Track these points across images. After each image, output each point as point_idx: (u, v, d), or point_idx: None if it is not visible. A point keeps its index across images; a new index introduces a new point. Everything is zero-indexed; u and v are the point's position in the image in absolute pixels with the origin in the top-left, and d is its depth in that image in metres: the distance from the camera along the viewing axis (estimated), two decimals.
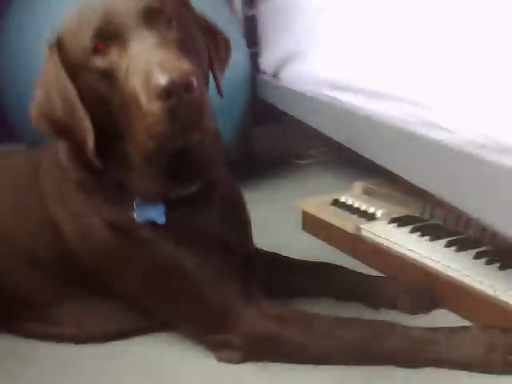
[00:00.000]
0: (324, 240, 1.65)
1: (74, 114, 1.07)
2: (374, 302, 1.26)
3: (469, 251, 1.27)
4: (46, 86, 1.11)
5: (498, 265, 1.20)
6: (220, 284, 1.12)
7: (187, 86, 0.92)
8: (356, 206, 1.63)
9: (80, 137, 1.07)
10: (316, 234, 1.70)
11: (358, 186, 1.75)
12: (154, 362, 1.16)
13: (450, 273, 1.23)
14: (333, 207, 1.68)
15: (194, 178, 1.13)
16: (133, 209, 1.12)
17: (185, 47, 1.02)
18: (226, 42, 1.19)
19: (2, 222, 1.26)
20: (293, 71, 1.89)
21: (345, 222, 1.56)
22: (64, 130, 1.11)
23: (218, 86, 1.16)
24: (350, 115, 1.42)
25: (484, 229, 1.32)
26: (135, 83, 0.96)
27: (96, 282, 1.19)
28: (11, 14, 2.12)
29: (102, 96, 1.03)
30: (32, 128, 1.15)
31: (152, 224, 1.12)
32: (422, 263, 1.30)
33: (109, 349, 1.22)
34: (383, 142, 1.26)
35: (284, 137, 2.74)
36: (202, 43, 1.11)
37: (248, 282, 1.15)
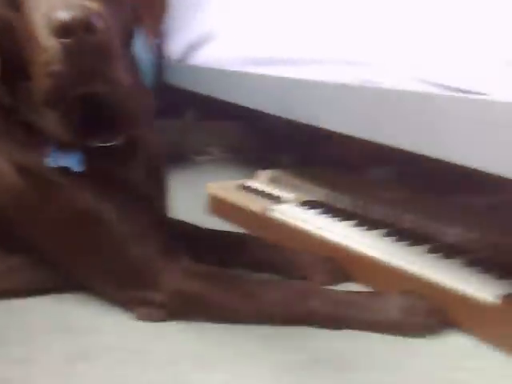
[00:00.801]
0: (232, 222, 1.67)
1: None
2: (289, 273, 1.28)
3: (379, 230, 1.33)
4: None
5: (407, 242, 1.27)
6: (142, 237, 1.10)
7: (88, 26, 0.90)
8: (263, 190, 1.66)
9: None
10: (224, 217, 1.71)
11: (263, 174, 1.79)
12: (66, 318, 1.11)
13: (361, 248, 1.28)
14: (241, 191, 1.71)
15: (112, 131, 1.10)
16: (47, 153, 1.08)
17: None
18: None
19: None
20: (208, 52, 1.91)
21: (254, 204, 1.59)
22: None
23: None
24: (280, 85, 1.46)
25: (390, 213, 1.39)
26: (36, 17, 0.93)
27: (1, 234, 1.13)
28: None
29: (8, 27, 0.99)
30: None
31: (68, 171, 1.08)
32: (332, 240, 1.35)
33: (10, 305, 1.15)
34: (319, 104, 1.29)
35: (183, 132, 2.74)
36: None
37: (170, 240, 1.14)
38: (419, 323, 1.04)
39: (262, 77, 1.56)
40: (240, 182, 1.76)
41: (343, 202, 1.50)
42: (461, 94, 0.93)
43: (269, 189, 1.66)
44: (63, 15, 0.88)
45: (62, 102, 0.99)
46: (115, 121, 1.10)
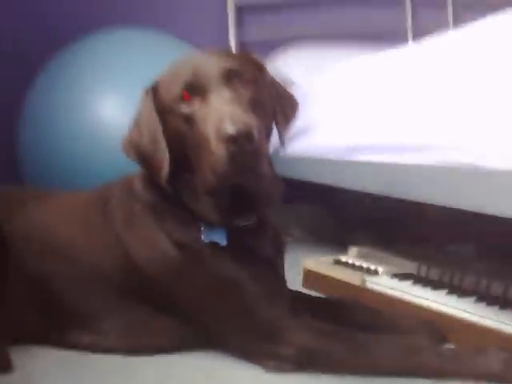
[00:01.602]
0: (328, 295, 1.82)
1: (157, 146, 1.30)
2: (392, 334, 1.42)
3: (469, 297, 1.49)
4: (138, 122, 1.35)
5: (497, 306, 1.42)
6: (271, 300, 1.30)
7: (248, 137, 1.16)
8: (358, 264, 1.84)
9: (158, 165, 1.30)
10: (319, 290, 1.87)
11: (354, 250, 1.97)
12: (206, 371, 1.30)
13: (455, 312, 1.43)
14: (336, 266, 1.89)
15: (251, 212, 1.34)
16: (200, 231, 1.32)
17: (254, 105, 1.27)
18: (293, 103, 1.45)
19: (71, 247, 1.42)
20: (306, 142, 2.14)
21: (351, 277, 1.76)
22: (146, 158, 1.33)
23: (281, 139, 1.40)
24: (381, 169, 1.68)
25: (478, 280, 1.55)
26: (208, 128, 1.20)
27: (155, 299, 1.35)
28: (37, 89, 2.35)
29: (182, 135, 1.27)
30: None
31: (215, 246, 1.31)
32: (428, 307, 1.50)
33: (160, 360, 1.36)
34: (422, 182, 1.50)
35: None
36: (271, 102, 1.35)
37: (294, 301, 1.34)
38: None
39: (364, 163, 1.78)
40: (333, 257, 1.94)
41: (432, 273, 1.66)
42: None
43: (361, 263, 1.84)
44: (231, 129, 1.15)
45: (221, 192, 1.26)
46: (255, 204, 1.33)
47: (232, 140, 1.16)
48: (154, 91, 1.34)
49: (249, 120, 1.18)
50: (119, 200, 1.42)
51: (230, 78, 1.27)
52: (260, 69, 1.38)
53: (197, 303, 1.33)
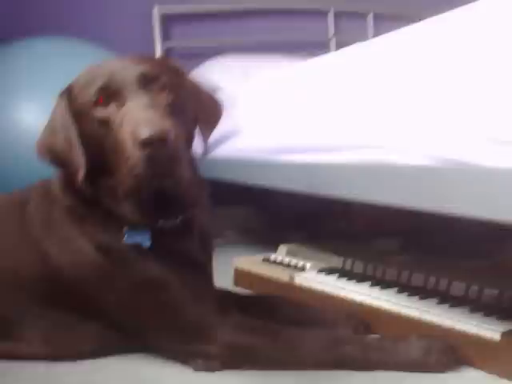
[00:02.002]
0: (258, 292, 1.86)
1: (72, 149, 1.30)
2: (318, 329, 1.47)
3: (392, 289, 1.54)
4: (52, 125, 1.35)
5: (418, 296, 1.47)
6: (197, 299, 1.31)
7: (163, 141, 1.18)
8: (286, 261, 1.87)
9: (74, 168, 1.30)
10: (249, 288, 1.90)
11: (283, 247, 2.00)
12: (133, 375, 1.30)
13: (379, 303, 1.48)
14: (265, 264, 1.92)
15: (175, 214, 1.35)
16: (122, 233, 1.32)
17: (172, 110, 1.28)
18: (217, 109, 1.46)
19: None
20: (232, 145, 2.16)
21: (279, 274, 1.80)
22: (61, 161, 1.34)
23: (204, 144, 1.41)
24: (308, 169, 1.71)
25: (399, 273, 1.60)
26: (124, 133, 1.21)
27: (78, 303, 1.34)
28: None
29: (98, 139, 1.28)
30: None
31: (139, 247, 1.32)
32: (353, 299, 1.55)
33: (84, 365, 1.35)
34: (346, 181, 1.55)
35: None
36: (192, 108, 1.36)
37: (222, 300, 1.35)
38: (437, 361, 1.24)
39: (288, 163, 1.82)
40: (263, 256, 1.97)
41: (357, 266, 1.71)
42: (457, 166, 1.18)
43: (289, 260, 1.87)
44: (146, 133, 1.16)
45: (139, 195, 1.27)
46: (177, 206, 1.34)
47: (146, 144, 1.16)
48: (69, 94, 1.33)
49: (164, 124, 1.19)
50: (37, 204, 1.40)
51: (146, 82, 1.28)
52: (179, 74, 1.39)
53: (122, 306, 1.33)
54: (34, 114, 2.26)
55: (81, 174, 1.28)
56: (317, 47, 3.54)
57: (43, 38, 2.60)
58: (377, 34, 3.64)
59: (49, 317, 1.36)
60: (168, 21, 3.33)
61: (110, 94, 1.27)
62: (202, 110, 1.39)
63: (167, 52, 3.28)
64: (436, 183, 1.24)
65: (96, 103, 1.27)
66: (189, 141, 1.35)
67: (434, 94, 1.33)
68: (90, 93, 1.28)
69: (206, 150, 1.43)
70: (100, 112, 1.27)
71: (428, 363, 1.24)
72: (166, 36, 3.30)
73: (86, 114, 1.29)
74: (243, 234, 2.86)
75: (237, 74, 2.86)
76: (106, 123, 1.26)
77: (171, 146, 1.19)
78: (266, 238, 2.60)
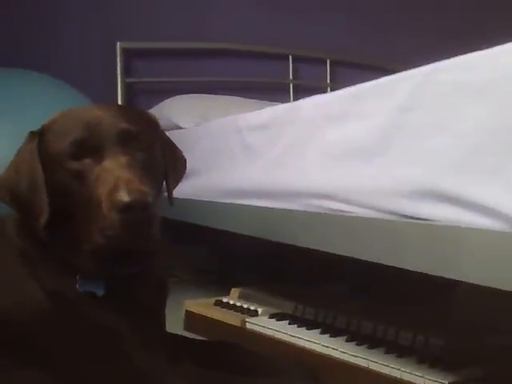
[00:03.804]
0: (209, 337, 1.85)
1: (36, 195, 1.26)
2: (268, 378, 1.47)
3: (341, 337, 1.56)
4: (17, 166, 1.30)
5: (366, 345, 1.50)
6: (149, 348, 1.29)
7: (144, 206, 1.16)
8: (238, 305, 1.88)
9: (35, 215, 1.26)
10: (200, 332, 1.90)
11: (236, 291, 2.01)
12: None
13: (326, 352, 1.50)
14: (217, 307, 1.92)
15: (133, 264, 1.31)
16: (75, 281, 1.29)
17: (147, 166, 1.26)
18: (182, 160, 1.47)
19: None
20: (187, 186, 2.18)
21: (231, 318, 1.80)
22: (22, 204, 1.29)
23: (169, 196, 1.41)
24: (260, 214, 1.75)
25: (349, 320, 1.63)
26: (101, 192, 1.18)
27: (19, 348, 1.28)
28: None
29: (68, 190, 1.24)
30: None
31: (91, 295, 1.29)
32: (302, 346, 1.57)
33: None
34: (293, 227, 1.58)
35: None
36: (162, 161, 1.36)
37: (173, 347, 1.35)
38: None
39: (241, 207, 1.85)
40: (214, 299, 1.97)
41: (308, 312, 1.74)
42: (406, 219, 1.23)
43: (242, 304, 1.88)
44: (127, 198, 1.14)
45: (104, 251, 1.23)
46: (137, 257, 1.31)
47: (126, 208, 1.14)
48: (40, 137, 1.29)
49: (144, 188, 1.17)
50: None
51: (126, 140, 1.25)
52: (155, 127, 1.38)
53: (67, 354, 1.29)
54: None
55: (43, 220, 1.25)
56: (277, 90, 3.66)
57: (3, 70, 2.59)
58: (333, 79, 3.77)
59: None
60: (130, 56, 3.34)
61: (86, 148, 1.23)
62: (170, 164, 1.39)
63: (128, 87, 3.29)
64: (382, 234, 1.27)
65: (70, 155, 1.23)
66: (158, 196, 1.32)
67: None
68: (65, 144, 1.24)
69: (172, 202, 1.42)
70: (74, 165, 1.23)
71: None
72: (127, 72, 3.30)
73: (58, 163, 1.25)
74: (195, 275, 2.86)
75: (196, 113, 2.90)
76: (79, 177, 1.22)
77: (150, 210, 1.17)
78: (219, 279, 2.61)
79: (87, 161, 1.23)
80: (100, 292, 1.30)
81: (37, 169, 1.27)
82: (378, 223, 1.28)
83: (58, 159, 1.25)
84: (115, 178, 1.18)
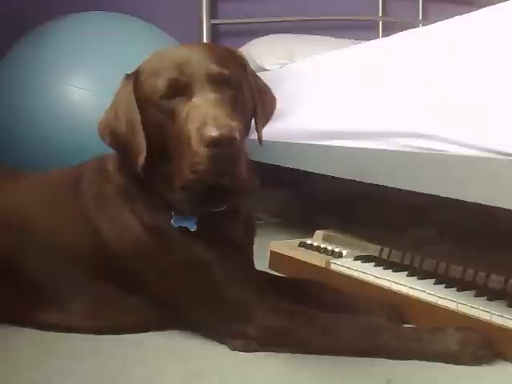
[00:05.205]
0: (293, 276, 1.87)
1: (134, 135, 1.31)
2: (353, 315, 1.48)
3: (429, 279, 1.54)
4: (116, 107, 1.36)
5: (455, 288, 1.47)
6: (240, 281, 1.34)
7: (231, 141, 1.18)
8: (322, 246, 1.89)
9: (134, 153, 1.31)
10: (285, 271, 1.92)
11: (319, 233, 2.01)
12: (172, 350, 1.33)
13: (415, 293, 1.48)
14: (301, 248, 1.93)
15: (224, 202, 1.36)
16: (170, 216, 1.34)
17: (236, 105, 1.29)
18: (272, 100, 1.48)
19: (41, 226, 1.44)
20: (274, 128, 2.17)
21: (316, 259, 1.81)
22: (122, 144, 1.35)
23: (259, 137, 1.43)
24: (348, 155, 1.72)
25: (437, 264, 1.60)
26: (191, 128, 1.21)
27: (123, 278, 1.38)
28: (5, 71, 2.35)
29: (161, 128, 1.29)
30: None
31: (186, 230, 1.34)
32: (389, 288, 1.55)
33: (126, 339, 1.39)
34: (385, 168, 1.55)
35: None
36: (251, 101, 1.37)
37: (262, 283, 1.38)
38: (473, 354, 1.24)
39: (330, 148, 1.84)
40: (298, 240, 1.98)
41: (394, 255, 1.72)
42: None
43: (326, 246, 1.88)
44: (215, 133, 1.17)
45: (195, 188, 1.28)
46: (228, 196, 1.36)
47: (214, 143, 1.17)
48: (135, 79, 1.34)
49: (232, 124, 1.19)
50: (91, 181, 1.44)
51: (214, 79, 1.28)
52: (243, 66, 1.40)
53: (165, 284, 1.36)
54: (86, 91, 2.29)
55: (141, 159, 1.30)
56: (364, 28, 3.54)
57: (94, 14, 2.63)
58: (425, 15, 3.60)
59: (95, 290, 1.41)
60: None
61: (178, 87, 1.27)
62: (259, 103, 1.40)
63: (213, 29, 3.28)
64: (476, 173, 1.23)
65: (163, 94, 1.28)
66: (247, 134, 1.36)
67: (478, 86, 1.32)
68: (158, 83, 1.28)
69: (261, 141, 1.43)
70: (166, 103, 1.28)
71: (463, 356, 1.24)
72: (213, 13, 3.29)
73: (152, 102, 1.30)
74: (280, 218, 2.87)
75: (281, 55, 2.86)
76: (171, 115, 1.27)
77: (237, 146, 1.19)
78: (302, 222, 2.62)
79: (179, 99, 1.26)
80: (193, 227, 1.34)
81: (134, 110, 1.32)
82: (477, 162, 1.25)
83: (151, 99, 1.29)
84: (204, 114, 1.21)
